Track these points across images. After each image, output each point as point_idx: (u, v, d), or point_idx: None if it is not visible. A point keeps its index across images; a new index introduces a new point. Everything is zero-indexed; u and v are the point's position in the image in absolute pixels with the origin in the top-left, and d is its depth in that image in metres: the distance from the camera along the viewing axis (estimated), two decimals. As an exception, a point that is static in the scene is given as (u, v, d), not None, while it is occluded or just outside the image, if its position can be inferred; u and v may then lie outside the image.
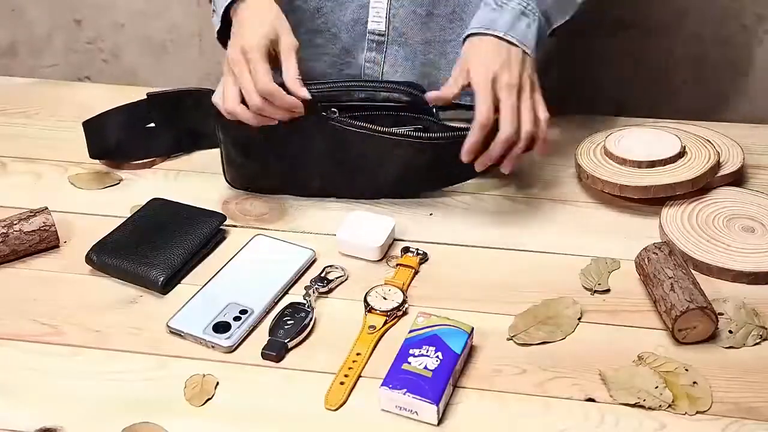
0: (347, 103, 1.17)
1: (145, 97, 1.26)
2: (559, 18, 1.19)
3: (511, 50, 1.10)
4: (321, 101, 1.12)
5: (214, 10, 1.21)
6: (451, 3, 1.25)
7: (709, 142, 1.21)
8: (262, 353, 0.95)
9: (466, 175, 1.17)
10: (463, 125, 1.12)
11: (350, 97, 1.20)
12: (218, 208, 1.19)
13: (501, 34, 1.10)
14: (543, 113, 1.09)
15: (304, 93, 1.08)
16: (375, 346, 0.97)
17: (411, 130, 1.13)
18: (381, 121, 1.14)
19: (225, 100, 1.08)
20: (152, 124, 1.27)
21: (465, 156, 1.07)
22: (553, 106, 1.12)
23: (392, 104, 1.20)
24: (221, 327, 0.98)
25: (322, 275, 1.06)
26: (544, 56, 1.18)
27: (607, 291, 1.04)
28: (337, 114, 1.12)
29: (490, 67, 1.08)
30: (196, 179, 1.26)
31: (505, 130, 1.05)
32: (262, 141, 1.15)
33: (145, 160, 1.28)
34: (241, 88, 1.07)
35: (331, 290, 1.05)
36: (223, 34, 1.18)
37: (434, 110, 1.19)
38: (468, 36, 1.13)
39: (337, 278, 1.06)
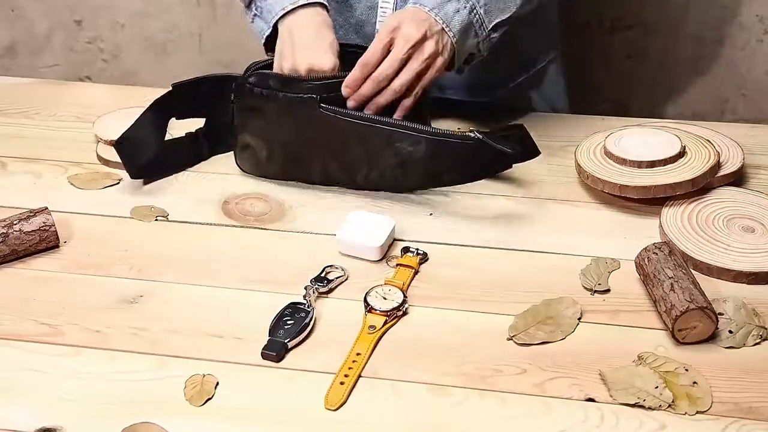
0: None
1: (152, 100, 1.24)
2: (498, 14, 1.20)
3: (430, 21, 1.15)
4: (324, 94, 1.15)
5: (255, 15, 1.26)
6: None
7: (709, 142, 1.21)
8: (262, 353, 0.95)
9: (467, 176, 1.17)
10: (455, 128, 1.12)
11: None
12: (218, 208, 1.19)
13: (426, 10, 1.16)
14: (424, 82, 1.15)
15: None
16: (375, 346, 0.97)
17: (403, 121, 1.14)
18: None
19: None
20: (176, 132, 1.27)
21: (343, 89, 1.15)
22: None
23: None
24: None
25: (322, 275, 1.06)
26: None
27: (607, 291, 1.04)
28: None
29: (399, 20, 1.15)
30: (196, 180, 1.26)
31: (380, 70, 1.14)
32: (268, 127, 1.20)
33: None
34: None
35: (331, 290, 1.05)
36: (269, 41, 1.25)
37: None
38: None
39: (336, 278, 1.06)
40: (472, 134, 1.10)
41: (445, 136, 1.12)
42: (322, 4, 1.22)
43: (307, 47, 1.18)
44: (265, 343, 0.96)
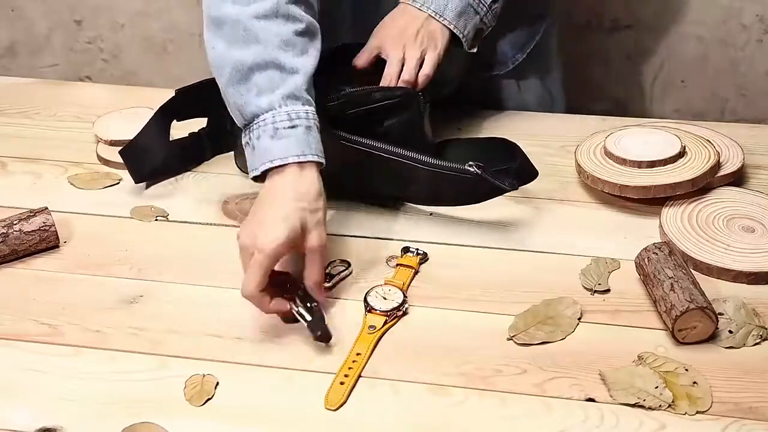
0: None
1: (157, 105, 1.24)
2: None
3: (420, 17, 1.17)
4: (329, 114, 1.13)
5: (248, 144, 1.04)
6: None
7: (709, 142, 1.21)
8: (315, 338, 0.95)
9: (466, 202, 1.16)
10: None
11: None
12: (218, 208, 1.19)
13: (418, 6, 1.18)
14: (427, 69, 1.16)
15: (322, 298, 1.00)
16: (375, 346, 0.97)
17: (403, 150, 1.13)
18: (373, 123, 1.15)
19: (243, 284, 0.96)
20: (179, 135, 1.26)
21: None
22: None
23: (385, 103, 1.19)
24: None
25: (326, 271, 1.05)
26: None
27: (607, 291, 1.04)
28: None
29: (391, 35, 1.17)
30: (196, 180, 1.26)
31: (386, 75, 1.16)
32: None
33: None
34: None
35: (335, 285, 1.05)
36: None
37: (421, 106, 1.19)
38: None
39: (339, 273, 1.05)
40: (471, 168, 1.09)
41: (444, 169, 1.11)
42: (319, 164, 1.03)
43: (273, 224, 0.97)
44: (309, 328, 0.96)
